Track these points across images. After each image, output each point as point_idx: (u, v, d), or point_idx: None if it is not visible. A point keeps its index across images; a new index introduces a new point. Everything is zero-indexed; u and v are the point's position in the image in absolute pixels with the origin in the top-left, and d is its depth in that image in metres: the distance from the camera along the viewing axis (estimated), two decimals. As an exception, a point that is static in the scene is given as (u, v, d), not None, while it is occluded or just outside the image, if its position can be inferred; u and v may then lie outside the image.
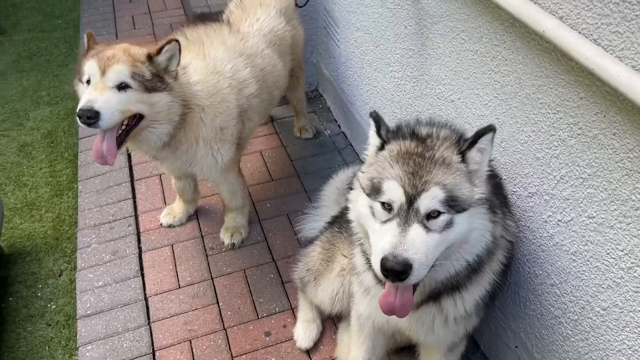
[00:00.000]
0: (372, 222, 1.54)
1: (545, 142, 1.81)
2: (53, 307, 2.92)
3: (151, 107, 2.32)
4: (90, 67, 2.25)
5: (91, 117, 2.17)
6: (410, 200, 1.46)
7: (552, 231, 1.88)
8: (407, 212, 1.46)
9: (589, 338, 1.82)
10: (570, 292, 1.85)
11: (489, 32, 1.95)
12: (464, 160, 1.54)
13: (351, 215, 1.69)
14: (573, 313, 1.86)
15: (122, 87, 2.24)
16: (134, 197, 3.42)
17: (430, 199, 1.45)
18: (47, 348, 2.73)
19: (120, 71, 2.23)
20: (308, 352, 2.57)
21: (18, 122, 4.25)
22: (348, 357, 2.32)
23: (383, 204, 1.51)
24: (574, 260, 1.80)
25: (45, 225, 3.39)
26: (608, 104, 1.50)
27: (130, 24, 5.22)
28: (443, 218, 1.47)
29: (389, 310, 1.56)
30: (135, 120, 2.34)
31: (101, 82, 2.23)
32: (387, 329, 2.02)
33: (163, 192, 3.44)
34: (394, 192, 1.48)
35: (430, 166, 1.50)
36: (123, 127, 2.33)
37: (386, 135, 1.63)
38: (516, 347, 2.25)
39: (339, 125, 3.92)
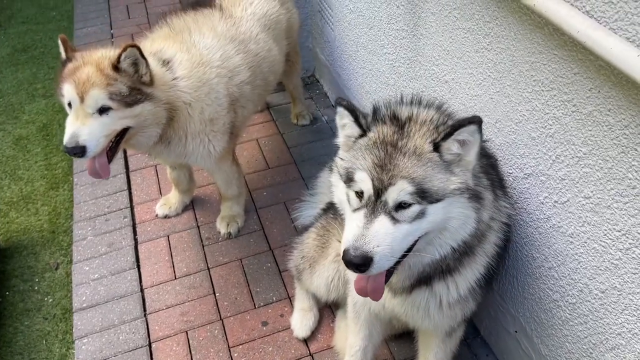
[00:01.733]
0: (348, 209, 1.53)
1: (540, 121, 1.75)
2: (50, 300, 2.91)
3: (136, 119, 2.29)
4: (68, 91, 2.21)
5: (77, 152, 2.18)
6: (378, 192, 1.45)
7: (548, 213, 1.83)
8: (375, 203, 1.45)
9: (587, 322, 1.77)
10: (568, 274, 1.80)
11: (481, 9, 1.88)
12: (437, 149, 1.47)
13: (335, 199, 1.66)
14: (571, 296, 1.82)
15: (103, 110, 2.20)
16: (129, 188, 3.39)
17: (397, 193, 1.43)
18: (44, 342, 2.72)
19: (97, 96, 2.17)
20: (305, 341, 2.54)
21: (13, 116, 4.22)
22: (345, 345, 2.29)
23: (356, 192, 1.50)
24: (571, 242, 1.75)
25: (41, 218, 3.37)
26: (602, 79, 1.44)
27: (125, 13, 5.16)
28: (414, 209, 1.44)
29: (362, 294, 1.56)
30: (122, 132, 2.31)
31: (81, 109, 2.20)
32: (384, 315, 1.98)
33: (159, 182, 3.41)
34: (364, 184, 1.47)
35: (400, 158, 1.46)
36: (111, 141, 2.31)
37: (367, 124, 1.57)
38: (516, 331, 2.21)
39: (336, 111, 3.85)
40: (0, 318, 2.84)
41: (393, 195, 1.42)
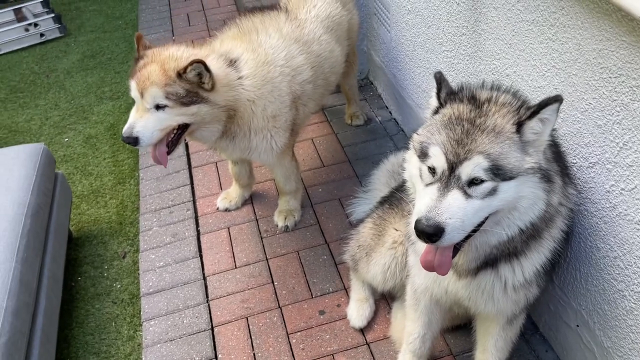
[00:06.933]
0: (419, 184, 1.58)
1: (607, 109, 1.76)
2: (118, 286, 3.07)
3: (193, 117, 2.43)
4: (132, 88, 2.40)
5: (131, 142, 2.36)
6: (452, 167, 1.49)
7: (614, 201, 1.83)
8: (449, 177, 1.49)
9: (655, 310, 1.76)
10: (635, 263, 1.79)
11: (546, 0, 1.92)
12: (519, 129, 1.52)
13: (405, 175, 1.72)
14: (638, 285, 1.80)
15: (159, 106, 2.36)
16: (191, 183, 3.54)
17: (471, 167, 1.47)
18: (113, 324, 2.88)
19: (154, 94, 2.33)
20: (362, 330, 2.58)
21: (83, 117, 4.48)
22: (402, 335, 2.33)
23: (429, 167, 1.54)
24: (639, 229, 1.74)
25: (109, 210, 3.56)
26: (674, 61, 1.46)
27: (186, 21, 5.41)
28: (486, 185, 1.48)
29: (428, 268, 1.60)
30: (183, 127, 2.46)
31: (141, 104, 2.38)
32: (445, 301, 2.01)
33: (219, 178, 3.55)
34: (437, 158, 1.52)
35: (477, 134, 1.50)
36: (173, 134, 2.47)
37: (445, 98, 1.64)
38: (577, 325, 2.19)
39: (390, 112, 3.92)
40: (73, 301, 3.02)
41: (467, 170, 1.47)
